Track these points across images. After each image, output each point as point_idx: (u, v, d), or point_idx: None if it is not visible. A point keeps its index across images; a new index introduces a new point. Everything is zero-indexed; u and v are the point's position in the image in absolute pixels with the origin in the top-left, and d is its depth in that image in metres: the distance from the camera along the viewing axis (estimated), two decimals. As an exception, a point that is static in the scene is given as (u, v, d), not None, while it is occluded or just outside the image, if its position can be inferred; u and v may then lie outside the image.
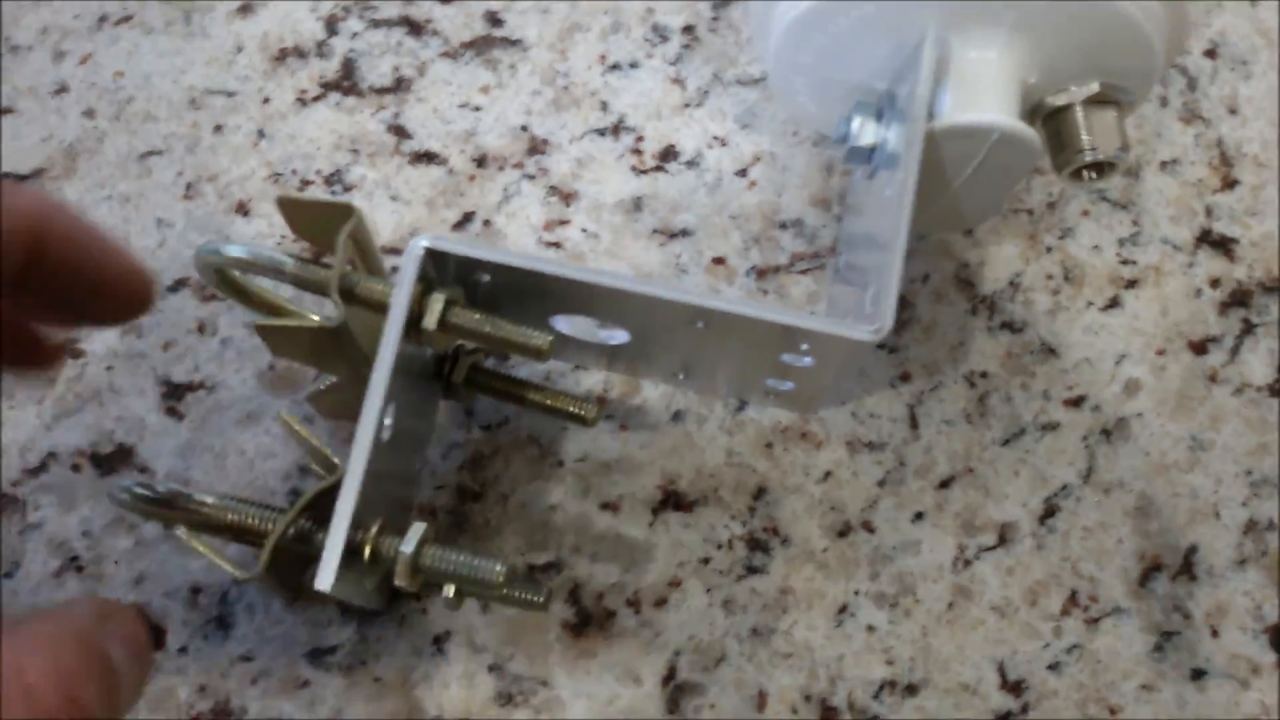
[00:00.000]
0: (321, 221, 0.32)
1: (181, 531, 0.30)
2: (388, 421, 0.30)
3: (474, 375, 0.36)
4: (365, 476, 0.29)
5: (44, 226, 0.27)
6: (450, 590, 0.30)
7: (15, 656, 0.22)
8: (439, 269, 0.32)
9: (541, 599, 0.31)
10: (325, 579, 0.28)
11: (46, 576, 0.35)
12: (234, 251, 0.32)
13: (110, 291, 0.29)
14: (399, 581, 0.30)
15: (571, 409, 0.35)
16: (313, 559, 0.29)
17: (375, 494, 0.30)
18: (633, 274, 0.40)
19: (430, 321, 0.31)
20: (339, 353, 0.32)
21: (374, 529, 0.30)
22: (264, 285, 0.34)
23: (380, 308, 0.31)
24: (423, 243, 0.31)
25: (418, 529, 0.30)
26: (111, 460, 0.37)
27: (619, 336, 0.35)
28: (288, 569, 0.31)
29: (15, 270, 0.26)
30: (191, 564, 0.35)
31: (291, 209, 0.32)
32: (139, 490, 0.30)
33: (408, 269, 0.31)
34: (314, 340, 0.31)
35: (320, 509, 0.29)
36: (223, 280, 0.33)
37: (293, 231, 0.32)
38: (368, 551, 0.30)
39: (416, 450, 0.36)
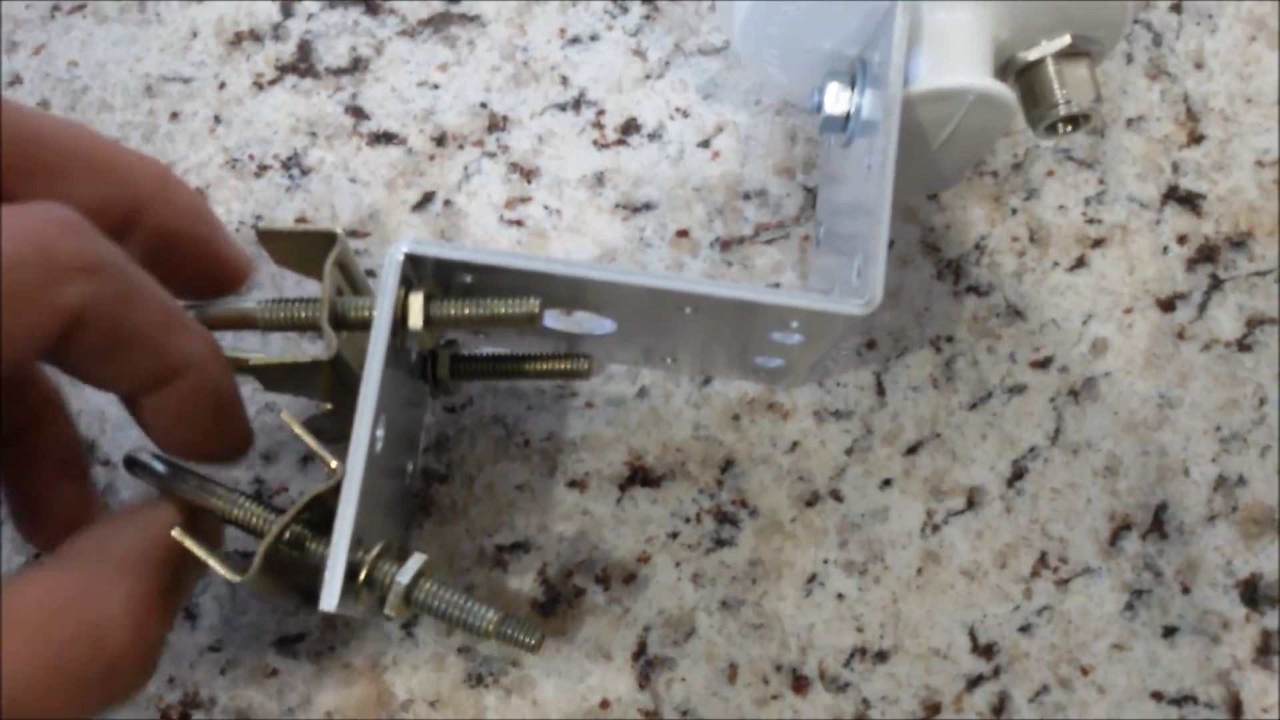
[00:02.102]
0: (303, 250, 0.31)
1: (176, 532, 0.30)
2: (380, 434, 0.30)
3: (457, 366, 0.35)
4: (361, 496, 0.28)
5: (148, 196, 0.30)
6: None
7: None
8: (417, 272, 0.31)
9: (534, 641, 0.31)
10: (329, 600, 0.28)
11: (12, 574, 0.35)
12: (190, 313, 0.31)
13: (205, 272, 0.32)
14: (388, 611, 0.29)
15: (566, 366, 0.35)
16: (313, 566, 0.29)
17: (373, 507, 0.30)
18: (598, 252, 0.40)
19: (416, 320, 0.30)
20: (336, 381, 0.31)
21: (374, 551, 0.29)
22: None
23: (367, 325, 0.30)
24: (403, 248, 0.30)
25: (417, 560, 0.30)
26: (75, 454, 0.36)
27: (605, 326, 0.35)
28: (285, 572, 0.31)
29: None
30: (158, 555, 0.35)
31: (271, 240, 0.31)
32: (154, 464, 0.31)
33: (388, 277, 0.30)
34: (310, 374, 0.31)
35: (317, 512, 0.29)
36: None
37: (274, 261, 0.32)
38: (364, 574, 0.29)
39: (410, 450, 0.36)
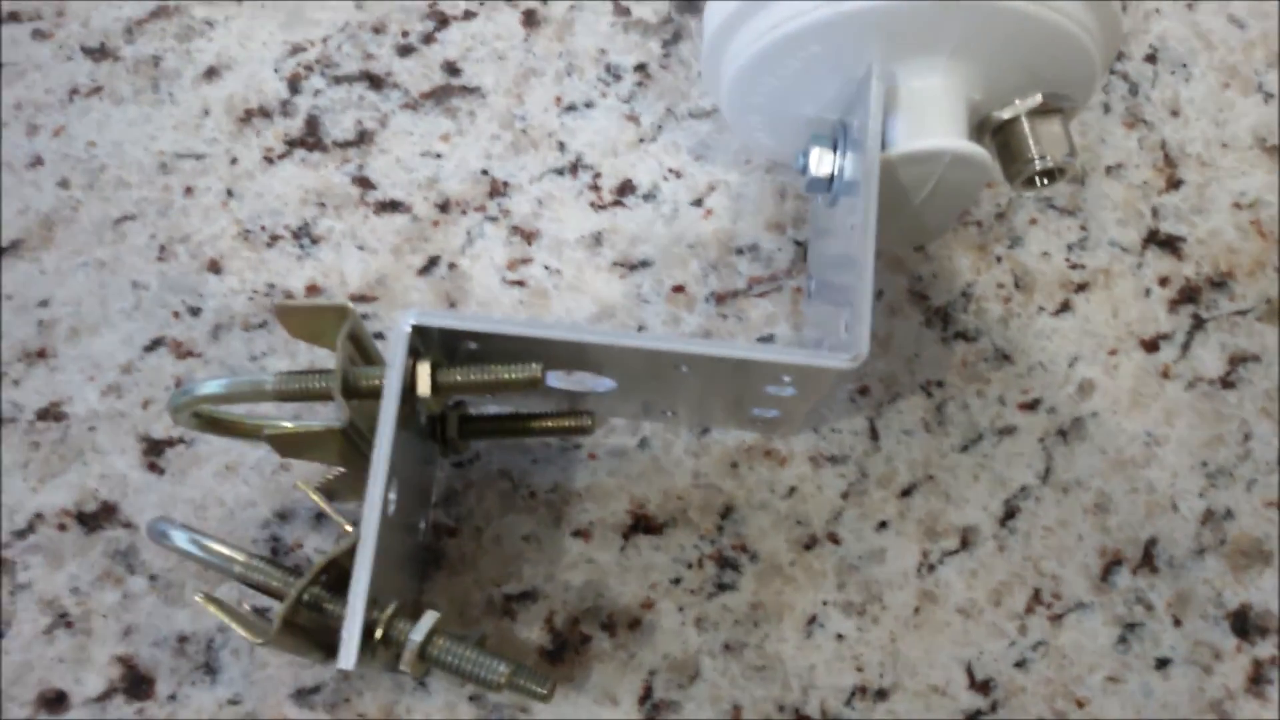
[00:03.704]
0: (316, 323, 0.32)
1: (199, 597, 0.31)
2: (392, 496, 0.31)
3: (465, 426, 0.37)
4: (376, 558, 0.30)
5: None
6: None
7: None
8: (424, 341, 0.33)
9: (545, 691, 0.32)
10: (347, 659, 0.29)
11: (37, 634, 0.36)
12: (209, 389, 0.32)
13: None
14: (403, 666, 0.31)
15: (570, 424, 0.36)
16: (331, 625, 0.30)
17: (387, 566, 0.31)
18: (597, 310, 0.41)
19: (424, 388, 0.32)
20: (348, 446, 0.33)
21: (389, 610, 0.31)
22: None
23: (378, 393, 0.32)
24: (410, 320, 0.31)
25: (430, 617, 0.31)
26: (96, 518, 0.38)
27: (605, 384, 0.36)
28: (305, 631, 0.32)
29: None
30: (177, 614, 0.36)
31: (286, 315, 0.32)
32: (175, 532, 0.32)
33: (397, 349, 0.31)
34: (323, 441, 0.32)
35: (334, 573, 0.31)
36: (198, 419, 0.34)
37: (288, 333, 0.33)
38: (380, 633, 0.31)
39: (422, 504, 0.37)
